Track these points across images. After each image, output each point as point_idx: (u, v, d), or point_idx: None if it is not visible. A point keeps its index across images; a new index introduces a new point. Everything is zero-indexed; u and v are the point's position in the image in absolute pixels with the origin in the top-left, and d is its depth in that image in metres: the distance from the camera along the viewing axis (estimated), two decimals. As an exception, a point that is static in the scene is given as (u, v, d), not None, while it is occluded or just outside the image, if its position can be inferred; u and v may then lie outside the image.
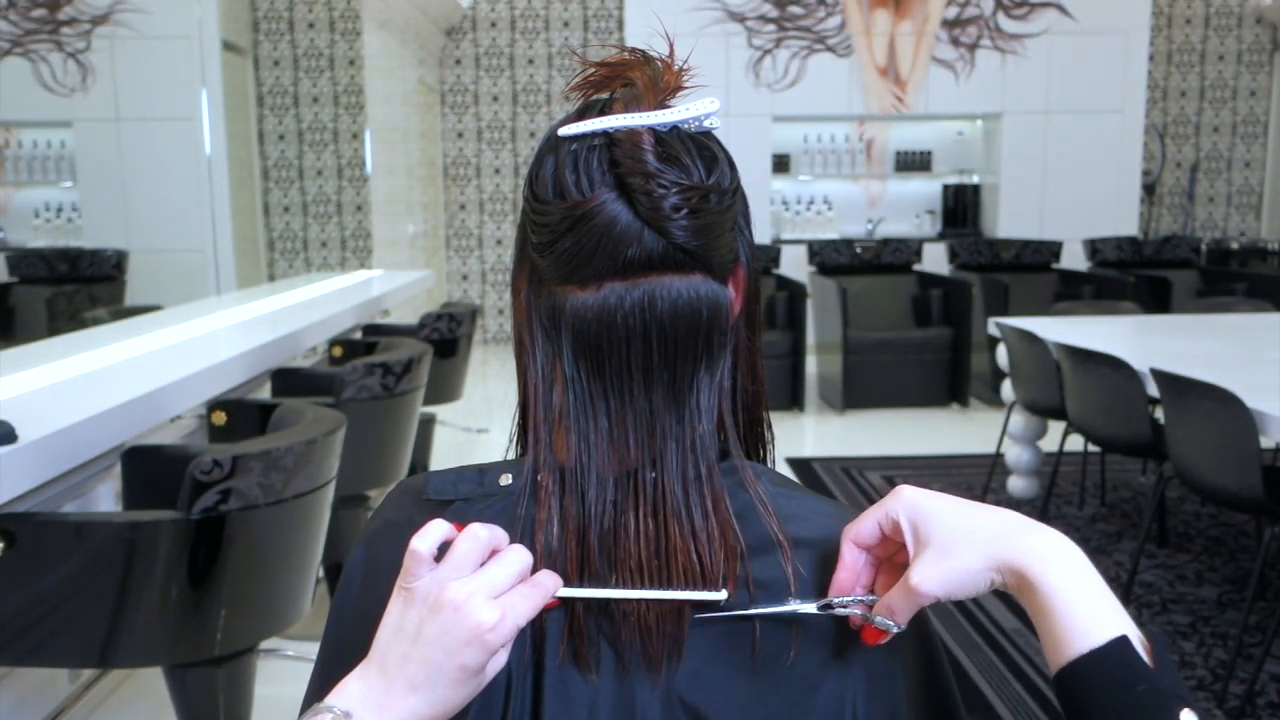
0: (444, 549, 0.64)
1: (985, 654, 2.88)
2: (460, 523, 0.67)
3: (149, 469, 1.90)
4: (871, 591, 0.67)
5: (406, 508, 0.75)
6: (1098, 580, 0.61)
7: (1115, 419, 3.29)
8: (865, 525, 0.66)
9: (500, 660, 0.64)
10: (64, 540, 1.57)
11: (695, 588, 0.67)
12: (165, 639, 1.66)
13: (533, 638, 0.68)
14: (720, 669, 0.67)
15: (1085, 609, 0.59)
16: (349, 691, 0.63)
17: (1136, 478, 4.56)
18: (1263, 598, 3.18)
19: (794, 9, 7.61)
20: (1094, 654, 0.58)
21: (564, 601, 0.67)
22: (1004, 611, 3.16)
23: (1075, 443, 3.78)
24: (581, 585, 0.67)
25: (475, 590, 0.62)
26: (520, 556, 0.64)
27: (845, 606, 0.66)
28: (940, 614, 3.14)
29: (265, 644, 1.90)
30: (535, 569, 0.67)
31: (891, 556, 0.67)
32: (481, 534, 0.64)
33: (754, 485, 0.71)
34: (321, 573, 2.44)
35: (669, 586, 0.67)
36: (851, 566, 0.67)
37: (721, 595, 0.67)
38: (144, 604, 1.61)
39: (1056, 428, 3.92)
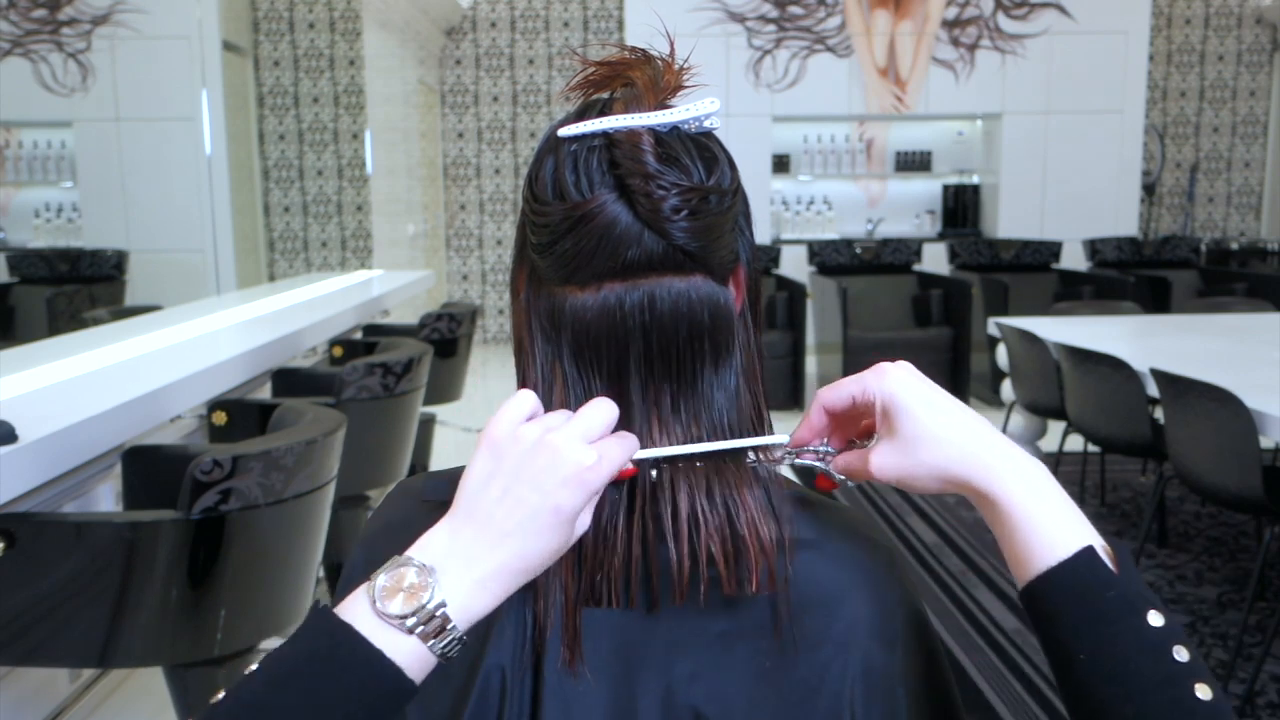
0: None
1: (985, 654, 2.88)
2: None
3: (149, 469, 1.90)
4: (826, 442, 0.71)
5: (406, 509, 0.75)
6: (1062, 496, 0.63)
7: (1115, 419, 3.29)
8: (840, 394, 0.69)
9: (585, 521, 0.63)
10: (64, 540, 1.57)
11: (697, 587, 0.67)
12: (165, 639, 1.66)
13: (531, 639, 0.67)
14: (720, 671, 0.67)
15: (1050, 523, 0.61)
16: (433, 544, 0.61)
17: (1136, 478, 4.56)
18: (1263, 598, 3.18)
19: (794, 9, 7.61)
20: (1062, 565, 0.60)
21: (636, 466, 0.67)
22: (1004, 611, 3.16)
23: (1075, 443, 3.78)
24: (582, 586, 0.67)
25: (573, 434, 0.61)
26: (610, 407, 0.64)
27: (812, 453, 0.71)
28: (940, 614, 3.15)
29: (265, 644, 1.90)
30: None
31: (855, 419, 0.70)
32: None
33: (753, 486, 0.71)
34: (321, 573, 2.44)
35: (670, 586, 0.67)
36: (816, 427, 0.70)
37: (784, 438, 0.70)
38: (144, 604, 1.61)
39: (1056, 428, 3.92)
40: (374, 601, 0.58)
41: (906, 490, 0.67)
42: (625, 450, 0.63)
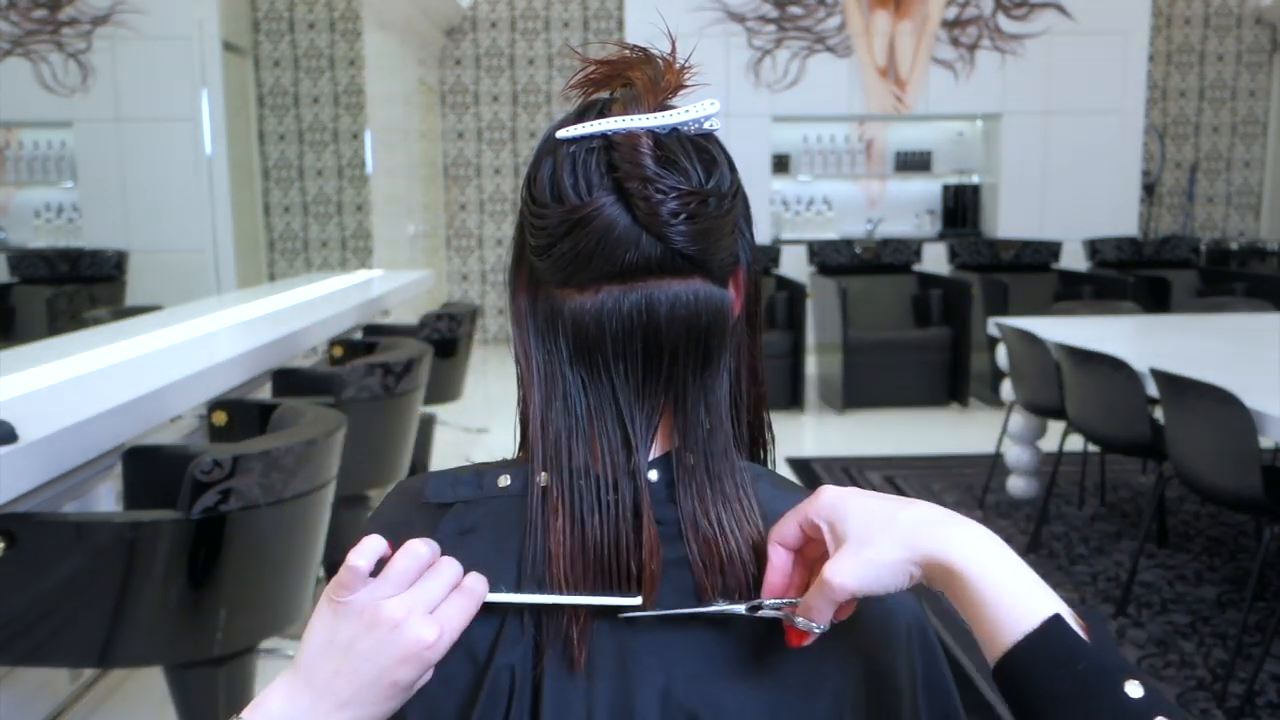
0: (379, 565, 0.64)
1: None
2: (460, 526, 0.68)
3: (149, 469, 1.90)
4: (803, 592, 0.67)
5: (405, 510, 0.75)
6: (1023, 566, 0.60)
7: (1115, 419, 3.29)
8: (788, 526, 0.66)
9: (428, 675, 0.64)
10: (64, 540, 1.57)
11: (698, 590, 0.67)
12: (165, 639, 1.66)
13: (534, 640, 0.68)
14: (719, 671, 0.67)
15: (1014, 595, 0.58)
16: (270, 708, 0.62)
17: (1136, 478, 4.56)
18: (1263, 598, 3.18)
19: (794, 9, 7.61)
20: (1030, 638, 0.56)
21: (491, 607, 0.67)
22: (1004, 611, 3.15)
23: (1075, 443, 3.78)
24: (582, 586, 0.67)
25: (414, 606, 0.62)
26: (452, 568, 0.65)
27: (773, 609, 0.66)
28: (940, 614, 3.14)
29: (265, 644, 1.90)
30: (536, 571, 0.67)
31: (821, 558, 0.65)
32: (421, 551, 0.64)
33: (753, 488, 0.71)
34: (322, 573, 2.44)
35: (670, 588, 0.67)
36: (780, 568, 0.66)
37: (636, 600, 0.66)
38: (144, 604, 1.61)
39: (1056, 428, 3.92)
40: None
41: (874, 592, 0.61)
42: (467, 611, 0.64)
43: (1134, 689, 0.54)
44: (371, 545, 0.64)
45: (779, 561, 0.66)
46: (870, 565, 0.61)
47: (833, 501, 0.64)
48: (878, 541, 0.61)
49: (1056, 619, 0.56)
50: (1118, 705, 0.54)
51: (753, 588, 0.68)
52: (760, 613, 0.66)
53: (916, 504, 0.63)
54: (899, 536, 0.61)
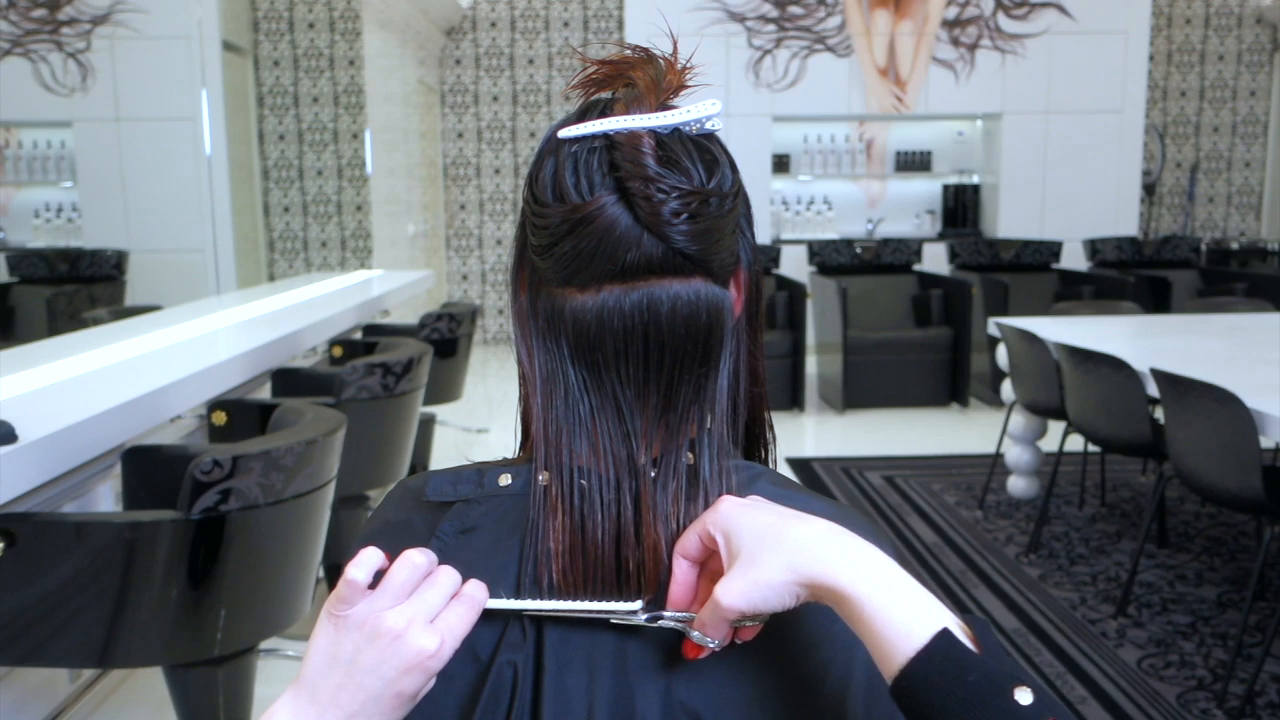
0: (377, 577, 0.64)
1: (985, 654, 2.88)
2: (461, 524, 0.67)
3: (149, 469, 1.90)
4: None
5: (406, 508, 0.75)
6: (909, 581, 0.59)
7: (1115, 419, 3.29)
8: (689, 538, 0.66)
9: (431, 683, 0.64)
10: (64, 540, 1.57)
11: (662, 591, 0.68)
12: (165, 639, 1.66)
13: (534, 638, 0.68)
14: (720, 670, 0.67)
15: (900, 612, 0.58)
16: None
17: (1136, 478, 4.56)
18: (1263, 598, 3.18)
19: (794, 9, 7.61)
20: (919, 656, 0.56)
21: (493, 612, 0.67)
22: (1004, 611, 3.16)
23: (1075, 443, 3.78)
24: (582, 585, 0.67)
25: (414, 617, 0.62)
26: (451, 577, 0.65)
27: (673, 621, 0.66)
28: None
29: (265, 644, 1.90)
30: (538, 572, 0.67)
31: (721, 571, 0.65)
32: (419, 561, 0.65)
33: (753, 487, 0.71)
34: (321, 573, 2.44)
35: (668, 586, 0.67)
36: (683, 580, 0.66)
37: (635, 606, 0.66)
38: (144, 604, 1.61)
39: (1056, 428, 3.93)
40: None
41: (762, 611, 0.61)
42: (468, 618, 0.64)
43: (1024, 696, 0.54)
44: (368, 557, 0.64)
45: (681, 574, 0.66)
46: (757, 586, 0.61)
47: (729, 513, 0.64)
48: (765, 561, 0.61)
49: (944, 634, 0.56)
50: (1008, 713, 0.54)
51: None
52: (660, 623, 0.66)
53: (806, 521, 0.63)
54: (784, 557, 0.61)
